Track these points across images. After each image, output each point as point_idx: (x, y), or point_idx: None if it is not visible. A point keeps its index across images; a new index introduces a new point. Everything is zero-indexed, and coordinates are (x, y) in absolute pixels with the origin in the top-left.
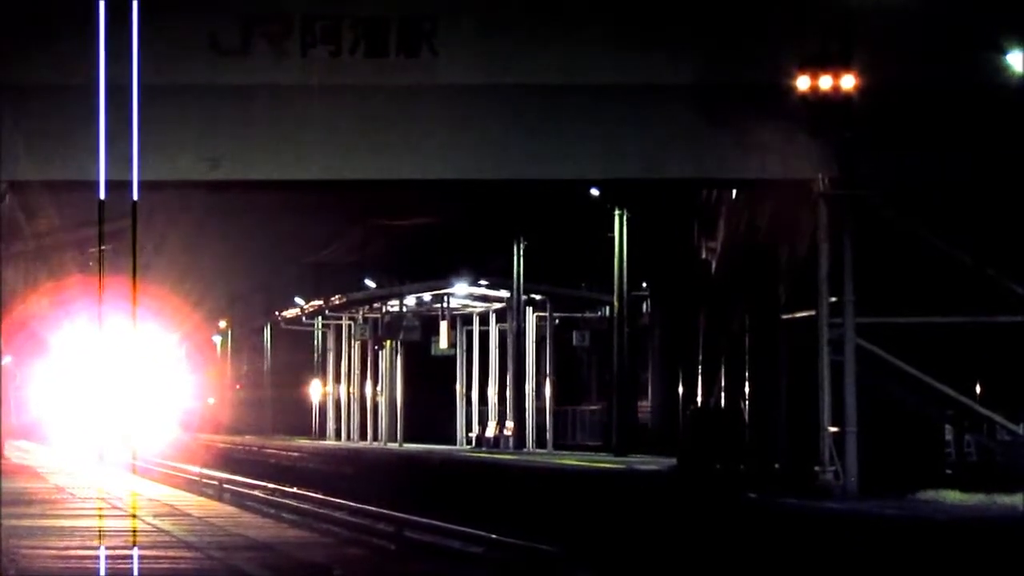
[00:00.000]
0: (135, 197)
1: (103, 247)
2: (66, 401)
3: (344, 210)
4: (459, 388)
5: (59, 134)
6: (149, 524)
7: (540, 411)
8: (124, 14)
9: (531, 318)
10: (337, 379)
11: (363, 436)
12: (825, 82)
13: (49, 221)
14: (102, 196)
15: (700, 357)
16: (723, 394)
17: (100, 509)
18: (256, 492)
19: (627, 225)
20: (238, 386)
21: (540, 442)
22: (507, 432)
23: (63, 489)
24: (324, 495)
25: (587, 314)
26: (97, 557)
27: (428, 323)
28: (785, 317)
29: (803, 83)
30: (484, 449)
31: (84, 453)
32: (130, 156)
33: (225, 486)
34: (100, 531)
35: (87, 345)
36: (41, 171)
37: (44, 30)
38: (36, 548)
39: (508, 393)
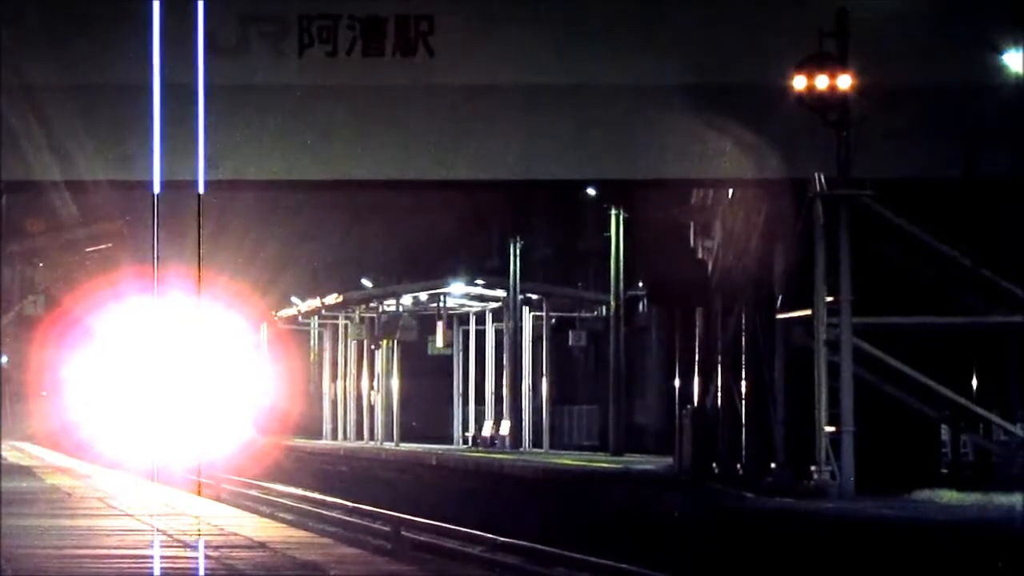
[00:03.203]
0: (201, 191)
1: (102, 246)
2: (118, 404)
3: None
4: (456, 388)
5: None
6: None
7: (536, 411)
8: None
9: (527, 318)
10: (334, 378)
11: (359, 435)
12: (821, 82)
13: (49, 220)
14: (157, 190)
15: (697, 357)
16: (720, 394)
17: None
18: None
19: (624, 225)
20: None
21: (536, 442)
22: (503, 432)
23: (59, 488)
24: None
25: (584, 314)
26: None
27: (425, 322)
28: (782, 317)
29: (800, 83)
30: (481, 449)
31: (134, 463)
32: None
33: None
34: None
35: (141, 342)
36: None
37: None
38: None
39: (504, 393)
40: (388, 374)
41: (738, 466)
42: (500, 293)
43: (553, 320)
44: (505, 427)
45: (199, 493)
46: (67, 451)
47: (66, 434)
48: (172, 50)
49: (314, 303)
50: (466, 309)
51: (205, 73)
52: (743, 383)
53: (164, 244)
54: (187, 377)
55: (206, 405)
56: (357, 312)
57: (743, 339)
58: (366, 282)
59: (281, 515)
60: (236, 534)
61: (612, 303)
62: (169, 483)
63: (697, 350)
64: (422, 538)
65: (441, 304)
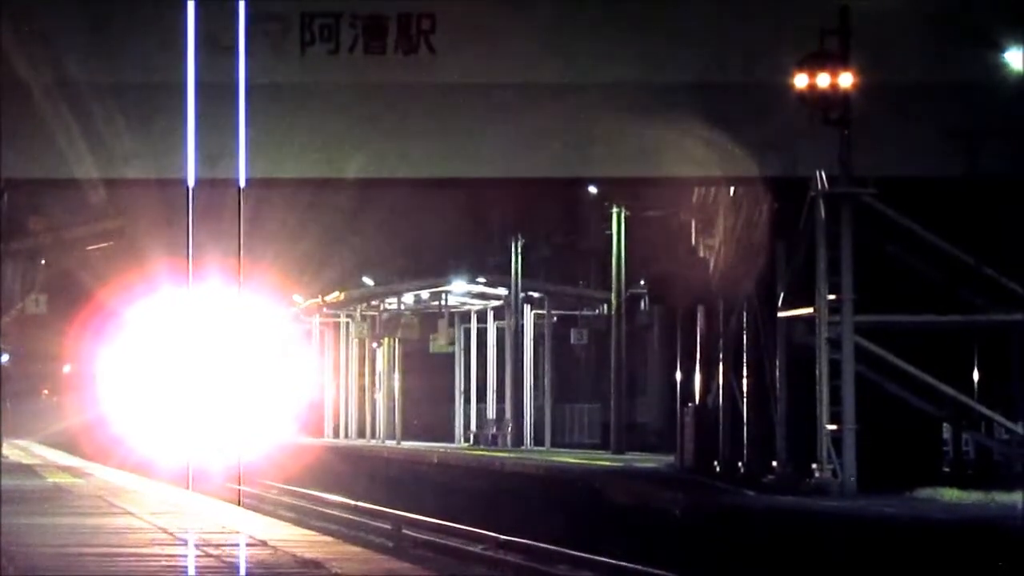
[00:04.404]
0: (242, 184)
1: (102, 245)
2: (148, 402)
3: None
4: (457, 386)
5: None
6: None
7: (538, 409)
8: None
9: (529, 316)
10: (336, 376)
11: (361, 434)
12: (823, 80)
13: (49, 219)
14: (191, 184)
15: (698, 355)
16: (721, 392)
17: None
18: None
19: (625, 223)
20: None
21: (538, 440)
22: (505, 430)
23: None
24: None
25: (585, 312)
26: None
27: (426, 321)
28: (783, 315)
29: (801, 81)
30: (482, 447)
31: (164, 467)
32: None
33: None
34: None
35: (175, 336)
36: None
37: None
38: None
39: (506, 391)
40: (390, 372)
41: (740, 464)
42: (502, 291)
43: (555, 318)
44: (507, 425)
45: (239, 503)
46: (95, 455)
47: (89, 434)
48: (170, 50)
49: (314, 301)
50: (467, 307)
51: (207, 73)
52: (745, 381)
53: (172, 240)
54: (212, 373)
55: (233, 402)
56: (359, 310)
57: (745, 337)
58: (367, 280)
59: (283, 513)
60: (238, 532)
61: (613, 301)
62: (203, 490)
63: (698, 348)
64: (424, 536)
65: (443, 302)
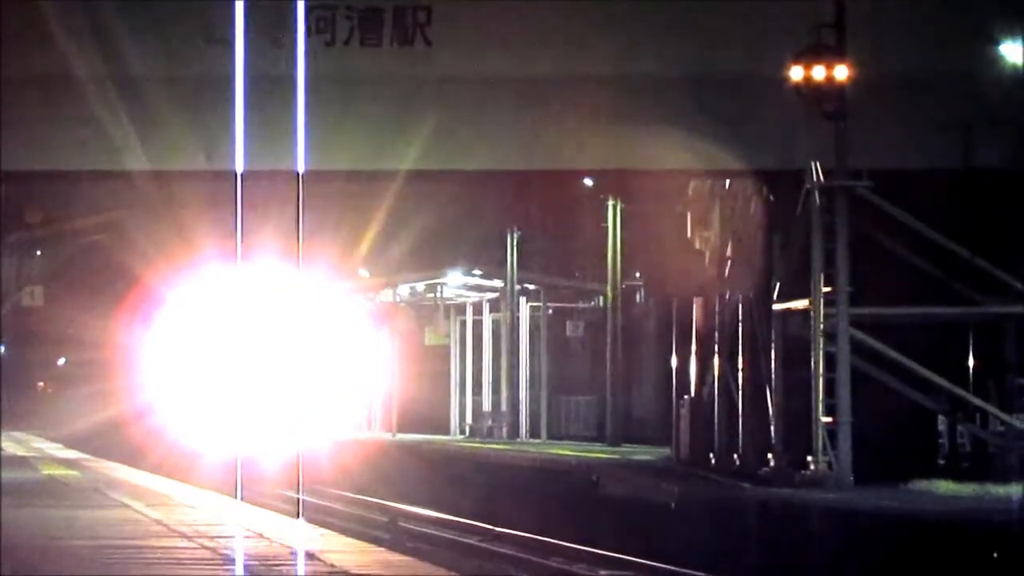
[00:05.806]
0: (301, 171)
1: (97, 237)
2: (193, 396)
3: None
4: (453, 378)
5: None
6: None
7: (534, 401)
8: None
9: (524, 308)
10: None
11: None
12: (819, 72)
13: (45, 211)
14: (239, 171)
15: (694, 347)
16: (717, 385)
17: None
18: None
19: (621, 215)
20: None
21: (534, 432)
22: (501, 422)
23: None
24: None
25: (581, 304)
26: None
27: (422, 313)
28: (779, 307)
29: (797, 74)
30: (478, 439)
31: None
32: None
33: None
34: None
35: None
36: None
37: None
38: None
39: (502, 383)
40: (386, 364)
41: (735, 456)
42: (497, 283)
43: (550, 310)
44: (502, 418)
45: (298, 515)
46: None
47: (124, 435)
48: (164, 42)
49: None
50: (463, 299)
51: (200, 65)
52: (740, 373)
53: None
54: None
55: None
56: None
57: (740, 329)
58: (363, 271)
59: (280, 506)
60: (237, 524)
61: (609, 293)
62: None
63: (694, 340)
64: (419, 528)
65: (438, 294)
